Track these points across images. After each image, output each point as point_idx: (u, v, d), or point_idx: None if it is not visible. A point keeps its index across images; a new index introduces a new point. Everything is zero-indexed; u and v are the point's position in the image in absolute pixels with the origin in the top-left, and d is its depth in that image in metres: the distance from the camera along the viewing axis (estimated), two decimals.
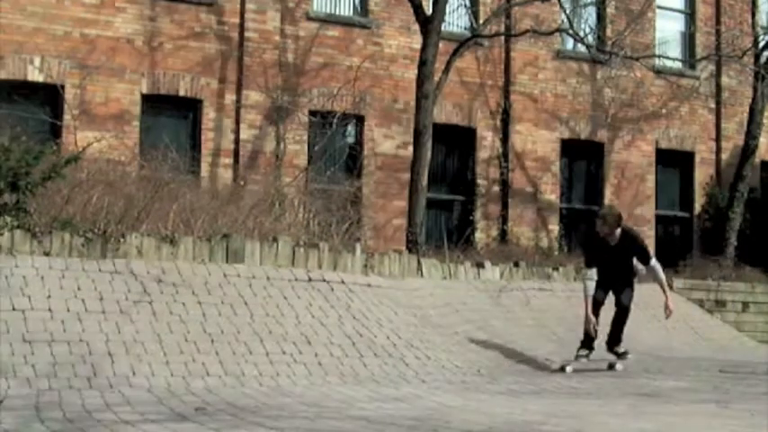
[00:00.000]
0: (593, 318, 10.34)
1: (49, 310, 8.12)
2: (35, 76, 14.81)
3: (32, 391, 6.86)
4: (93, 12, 15.28)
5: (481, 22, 17.27)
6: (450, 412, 6.86)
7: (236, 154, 16.05)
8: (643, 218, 19.85)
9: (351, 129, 17.52)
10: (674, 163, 20.54)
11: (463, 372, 9.35)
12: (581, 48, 18.55)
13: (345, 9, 17.65)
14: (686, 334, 14.57)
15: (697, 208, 20.53)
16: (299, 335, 8.94)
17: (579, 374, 9.97)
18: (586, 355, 10.53)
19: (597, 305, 10.48)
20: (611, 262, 10.44)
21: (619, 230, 10.47)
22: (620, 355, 10.77)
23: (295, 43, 16.82)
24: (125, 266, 9.10)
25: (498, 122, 18.49)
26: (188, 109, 16.04)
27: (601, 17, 19.77)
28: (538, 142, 18.80)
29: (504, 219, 18.27)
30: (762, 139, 19.97)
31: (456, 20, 18.34)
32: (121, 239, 9.37)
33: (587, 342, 10.56)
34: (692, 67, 20.71)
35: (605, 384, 9.18)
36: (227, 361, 8.11)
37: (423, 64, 14.78)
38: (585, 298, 10.40)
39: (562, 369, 10.31)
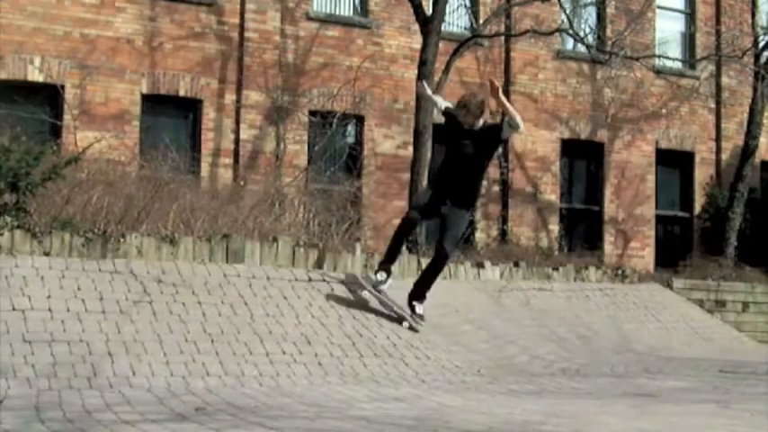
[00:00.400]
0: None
1: (49, 310, 8.11)
2: (35, 76, 14.82)
3: (32, 391, 6.86)
4: (93, 12, 15.30)
5: (481, 22, 17.27)
6: (449, 412, 6.86)
7: (236, 154, 16.06)
8: (643, 218, 19.87)
9: (351, 129, 17.53)
10: (674, 163, 20.55)
11: (463, 372, 9.35)
12: (581, 48, 18.56)
13: (345, 9, 17.66)
14: (686, 334, 14.57)
15: (697, 208, 20.54)
16: (299, 335, 8.94)
17: (581, 375, 9.97)
18: (383, 281, 9.39)
19: (411, 223, 9.31)
20: (461, 155, 9.08)
21: (482, 121, 9.23)
22: (414, 314, 9.52)
23: (295, 43, 16.83)
24: (125, 266, 9.10)
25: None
26: (188, 109, 16.05)
27: (601, 17, 19.78)
28: (538, 142, 18.81)
29: (504, 219, 18.28)
30: (762, 139, 19.99)
31: (456, 20, 18.36)
32: (121, 239, 9.38)
33: (387, 259, 9.46)
34: (692, 67, 20.72)
35: (605, 384, 9.17)
36: (227, 361, 8.11)
37: (423, 64, 14.79)
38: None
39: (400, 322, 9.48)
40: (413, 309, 9.61)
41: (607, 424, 6.50)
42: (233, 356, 8.21)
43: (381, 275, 9.53)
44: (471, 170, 9.17)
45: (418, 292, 9.54)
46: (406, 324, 9.46)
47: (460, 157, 9.06)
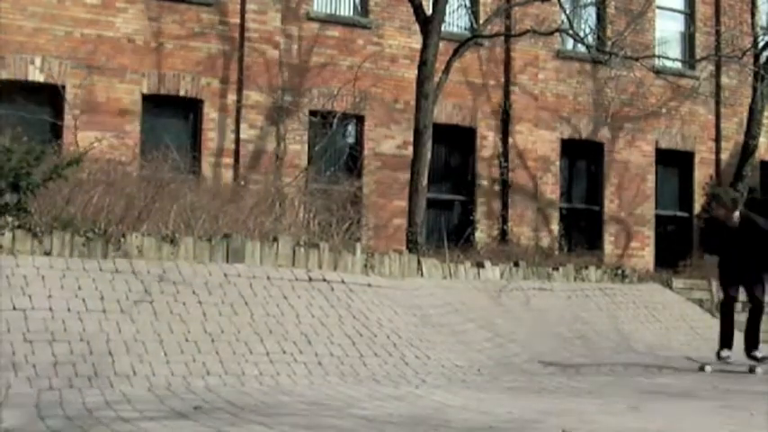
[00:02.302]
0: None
1: (50, 309, 8.14)
2: (36, 76, 14.83)
3: (33, 390, 6.88)
4: (94, 12, 15.30)
5: (481, 22, 17.28)
6: (450, 411, 6.89)
7: (236, 154, 16.06)
8: (643, 218, 19.88)
9: (351, 129, 17.54)
10: (674, 163, 20.56)
11: (463, 371, 9.37)
12: (581, 48, 18.57)
13: (346, 9, 17.67)
14: (685, 334, 14.57)
15: (697, 208, 20.54)
16: (300, 334, 8.96)
17: (580, 374, 9.99)
18: (728, 357, 10.32)
19: (730, 302, 10.29)
20: (734, 249, 10.00)
21: (737, 214, 10.13)
22: (760, 360, 10.44)
23: (296, 43, 16.84)
24: (126, 266, 9.12)
25: (498, 122, 18.52)
26: (189, 109, 16.05)
27: (601, 17, 19.79)
28: (538, 142, 18.82)
29: (504, 218, 18.28)
30: (761, 139, 19.99)
31: (456, 20, 18.36)
32: (122, 239, 9.40)
33: (726, 341, 10.33)
34: (692, 67, 20.72)
35: (605, 384, 9.20)
36: (228, 360, 8.13)
37: (423, 64, 14.80)
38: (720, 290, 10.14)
39: (702, 368, 10.38)
40: (753, 357, 10.53)
41: (607, 423, 6.52)
42: (233, 356, 8.23)
43: (726, 352, 10.53)
44: (748, 256, 10.29)
45: (750, 342, 10.57)
46: (759, 370, 10.39)
47: (736, 252, 10.19)
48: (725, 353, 10.32)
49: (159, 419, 6.01)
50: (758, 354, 10.44)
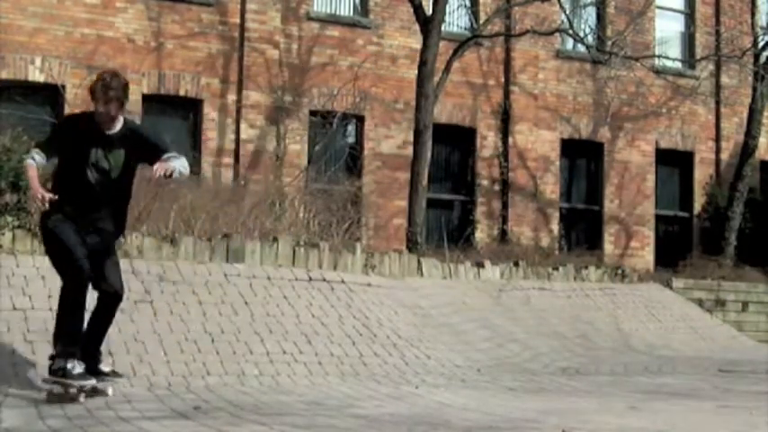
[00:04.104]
0: None
1: (50, 309, 8.10)
2: (36, 76, 14.84)
3: (33, 390, 6.88)
4: (94, 12, 15.31)
5: (481, 22, 17.29)
6: (449, 411, 6.89)
7: (236, 154, 16.07)
8: (643, 217, 19.89)
9: (351, 128, 17.55)
10: (674, 162, 20.57)
11: (463, 371, 9.38)
12: (581, 47, 18.58)
13: (346, 9, 17.68)
14: (685, 333, 14.59)
15: (697, 207, 20.55)
16: (300, 334, 8.97)
17: (581, 374, 10.00)
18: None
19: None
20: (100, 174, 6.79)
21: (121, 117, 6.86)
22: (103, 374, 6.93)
23: (296, 43, 16.85)
24: (126, 266, 9.10)
25: (499, 122, 18.52)
26: (189, 109, 16.06)
27: (601, 17, 19.80)
28: (538, 142, 18.83)
29: (504, 218, 18.29)
30: (761, 139, 20.00)
31: (456, 20, 18.38)
32: (122, 239, 9.39)
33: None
34: (692, 66, 20.73)
35: (605, 383, 9.20)
36: (228, 360, 8.14)
37: (423, 64, 14.81)
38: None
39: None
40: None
41: (607, 422, 6.53)
42: (233, 355, 8.24)
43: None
44: (115, 193, 7.02)
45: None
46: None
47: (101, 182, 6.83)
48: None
49: (160, 420, 6.01)
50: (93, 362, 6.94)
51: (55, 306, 8.12)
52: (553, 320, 12.96)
